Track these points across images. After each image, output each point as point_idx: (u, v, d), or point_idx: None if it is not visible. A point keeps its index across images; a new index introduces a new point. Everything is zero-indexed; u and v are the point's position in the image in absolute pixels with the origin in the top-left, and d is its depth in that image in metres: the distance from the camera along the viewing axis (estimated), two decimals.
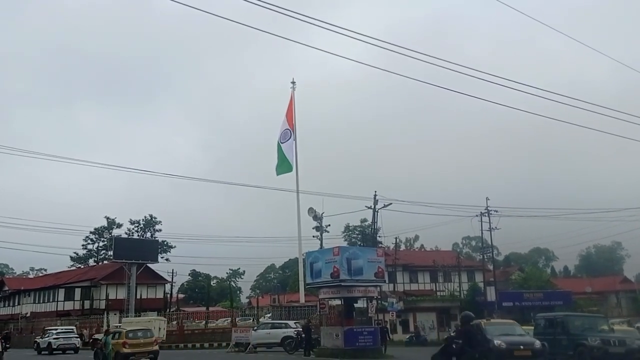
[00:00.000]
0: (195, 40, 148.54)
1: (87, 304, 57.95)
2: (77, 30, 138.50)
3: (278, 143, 39.24)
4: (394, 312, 40.42)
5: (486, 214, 43.91)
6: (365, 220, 70.68)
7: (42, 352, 36.05)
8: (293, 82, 39.87)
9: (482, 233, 45.05)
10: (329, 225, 41.72)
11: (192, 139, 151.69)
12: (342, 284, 24.15)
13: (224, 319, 47.35)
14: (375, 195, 42.91)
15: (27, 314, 61.59)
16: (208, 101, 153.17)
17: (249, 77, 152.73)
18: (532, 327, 20.70)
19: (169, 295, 66.70)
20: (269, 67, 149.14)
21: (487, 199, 44.24)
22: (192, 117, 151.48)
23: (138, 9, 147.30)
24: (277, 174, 38.94)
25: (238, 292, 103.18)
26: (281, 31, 13.10)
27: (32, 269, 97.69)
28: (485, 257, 54.07)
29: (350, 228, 78.07)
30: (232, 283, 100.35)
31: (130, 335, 23.81)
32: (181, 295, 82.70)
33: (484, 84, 15.93)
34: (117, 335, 23.62)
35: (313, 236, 41.49)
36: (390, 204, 42.07)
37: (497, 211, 43.92)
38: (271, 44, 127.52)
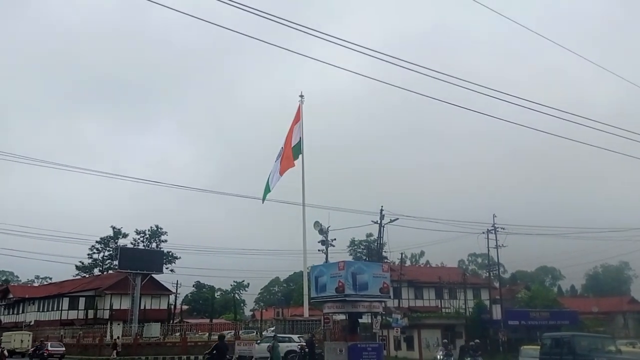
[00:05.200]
0: (196, 50, 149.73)
1: (91, 313, 57.93)
2: (77, 40, 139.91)
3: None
4: (399, 329, 40.09)
5: (493, 231, 43.66)
6: (371, 235, 70.52)
7: None
8: (301, 96, 39.80)
9: (488, 250, 44.77)
10: (335, 239, 41.61)
11: (194, 150, 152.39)
12: (347, 298, 24.01)
13: (228, 332, 47.15)
14: (381, 210, 42.85)
15: (31, 322, 61.63)
16: (212, 111, 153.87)
17: (254, 89, 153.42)
18: (538, 347, 20.50)
19: (172, 307, 66.62)
20: (273, 78, 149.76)
21: (494, 215, 44.06)
22: (194, 128, 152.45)
23: (138, 19, 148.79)
24: (262, 201, 38.69)
25: (242, 304, 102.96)
26: (283, 44, 13.22)
27: (37, 277, 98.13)
28: (492, 274, 53.67)
29: (356, 242, 77.89)
30: (236, 295, 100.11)
31: None
32: (185, 307, 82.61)
33: (489, 100, 15.99)
34: None
35: (318, 250, 41.34)
36: (397, 219, 41.96)
37: (504, 228, 43.72)
38: (276, 56, 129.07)
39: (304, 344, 28.41)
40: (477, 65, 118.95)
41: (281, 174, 37.55)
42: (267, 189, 37.76)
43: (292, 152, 37.79)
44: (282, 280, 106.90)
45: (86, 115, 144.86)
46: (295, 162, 37.83)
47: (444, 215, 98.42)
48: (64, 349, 39.81)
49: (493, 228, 43.60)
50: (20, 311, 65.42)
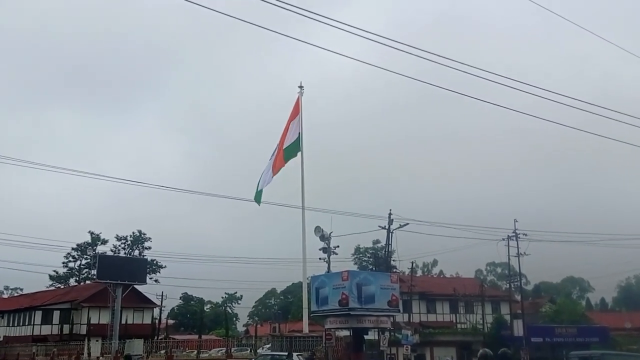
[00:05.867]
0: (181, 38, 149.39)
1: (66, 328, 57.89)
2: (49, 25, 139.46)
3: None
4: (409, 346, 40.06)
5: (514, 238, 43.70)
6: (378, 241, 70.32)
7: None
8: (300, 87, 39.74)
9: (508, 259, 44.84)
10: (338, 246, 41.54)
11: (181, 147, 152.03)
12: (351, 312, 24.12)
13: (218, 349, 47.11)
14: (389, 214, 42.87)
15: None
16: (201, 104, 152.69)
17: (247, 79, 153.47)
18: None
19: (157, 321, 66.61)
20: (269, 67, 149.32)
21: (515, 220, 44.10)
22: (181, 122, 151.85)
23: (117, 1, 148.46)
24: (258, 204, 38.61)
25: (234, 319, 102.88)
26: (280, 29, 13.22)
27: (6, 288, 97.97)
28: (512, 286, 53.64)
29: (362, 250, 77.79)
30: (228, 309, 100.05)
31: None
32: (171, 321, 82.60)
33: (508, 91, 16.03)
34: None
35: (319, 258, 41.30)
36: (407, 224, 41.99)
37: (526, 235, 43.75)
38: (272, 43, 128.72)
39: None
40: (495, 54, 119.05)
41: (274, 173, 37.55)
42: (258, 191, 37.71)
43: (283, 152, 37.75)
44: (279, 292, 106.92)
45: (59, 107, 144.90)
46: (294, 160, 37.85)
47: (459, 220, 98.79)
48: None
49: (514, 234, 43.62)
50: None
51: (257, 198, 38.11)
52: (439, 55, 14.44)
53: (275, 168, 37.58)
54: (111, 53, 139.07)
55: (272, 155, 38.66)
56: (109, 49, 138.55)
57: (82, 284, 71.22)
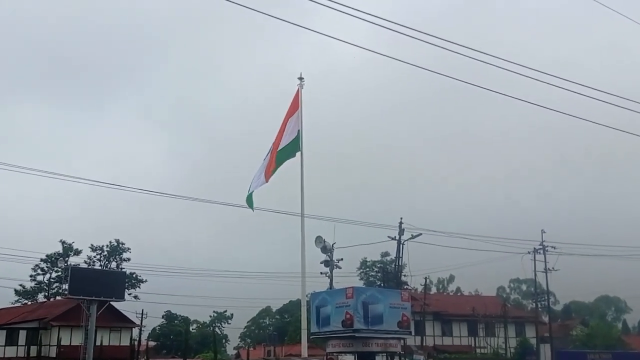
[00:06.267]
0: (165, 24, 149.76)
1: (33, 350, 57.81)
2: (18, 14, 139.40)
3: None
4: None
5: (541, 251, 43.62)
6: (387, 254, 70.33)
7: None
8: (300, 78, 39.57)
9: (535, 275, 44.84)
10: (341, 259, 41.31)
11: (165, 145, 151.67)
12: (357, 334, 23.94)
13: None
14: (400, 223, 42.76)
15: None
16: (187, 97, 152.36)
17: (240, 70, 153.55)
18: None
19: (136, 342, 66.45)
20: (264, 56, 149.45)
21: (543, 231, 44.08)
22: (165, 118, 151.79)
23: None
24: (252, 209, 38.36)
25: (224, 340, 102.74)
26: (277, 14, 13.07)
27: None
28: (539, 305, 53.51)
29: (368, 264, 77.72)
30: (217, 329, 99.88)
31: None
32: (152, 343, 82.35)
33: (535, 85, 15.92)
34: None
35: (321, 273, 41.09)
36: (420, 234, 41.88)
37: (554, 247, 43.69)
38: (268, 29, 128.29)
39: None
40: (520, 42, 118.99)
41: (267, 178, 37.21)
42: (249, 195, 37.47)
43: (277, 154, 37.52)
44: (274, 310, 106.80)
45: (27, 100, 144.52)
46: (292, 161, 37.60)
47: (479, 230, 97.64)
48: None
49: (541, 247, 43.57)
50: None
51: (249, 202, 37.94)
52: (456, 44, 14.34)
53: (268, 173, 37.29)
54: (87, 41, 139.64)
55: (266, 155, 38.44)
56: (84, 36, 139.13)
57: (51, 300, 71.14)
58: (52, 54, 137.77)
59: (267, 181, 37.11)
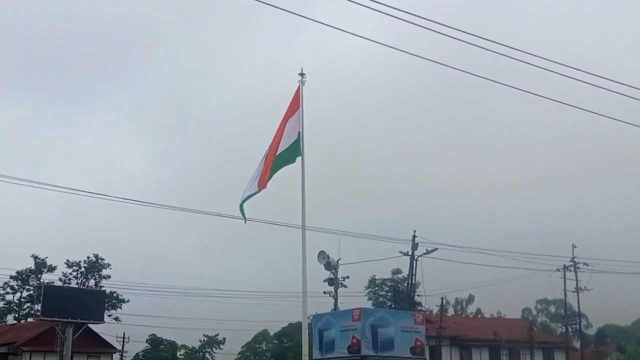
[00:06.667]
0: (155, 16, 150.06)
1: None
2: None
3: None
4: None
5: (571, 268, 43.68)
6: (398, 271, 70.45)
7: None
8: (302, 74, 39.82)
9: (565, 295, 44.90)
10: (347, 277, 41.52)
11: (150, 149, 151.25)
12: None
13: None
14: (414, 237, 42.91)
15: None
16: (176, 96, 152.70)
17: (235, 65, 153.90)
18: None
19: None
20: (262, 51, 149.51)
21: (574, 246, 44.06)
22: (151, 119, 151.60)
23: None
24: (244, 216, 38.44)
25: None
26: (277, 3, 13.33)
27: None
28: (570, 329, 53.57)
29: (378, 282, 77.77)
30: (208, 355, 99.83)
31: None
32: None
33: (567, 81, 16.10)
34: None
35: (324, 292, 41.36)
36: (435, 249, 41.99)
37: (587, 264, 43.75)
38: (267, 21, 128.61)
39: None
40: (548, 34, 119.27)
41: (260, 187, 37.17)
42: (241, 204, 37.54)
43: (275, 159, 37.62)
44: (272, 334, 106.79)
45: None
46: (292, 166, 37.80)
47: (502, 244, 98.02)
48: None
49: (572, 263, 43.60)
50: None
51: (243, 211, 38.09)
52: (473, 35, 14.45)
53: (263, 179, 37.30)
54: (68, 34, 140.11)
55: (261, 160, 38.54)
56: (64, 28, 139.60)
57: (22, 322, 71.33)
58: (28, 47, 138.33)
59: (259, 189, 37.05)
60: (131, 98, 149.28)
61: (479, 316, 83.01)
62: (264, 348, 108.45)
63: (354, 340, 24.07)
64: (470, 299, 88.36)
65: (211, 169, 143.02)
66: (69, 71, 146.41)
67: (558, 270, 44.08)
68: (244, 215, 38.27)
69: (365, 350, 23.85)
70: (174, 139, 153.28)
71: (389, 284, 76.06)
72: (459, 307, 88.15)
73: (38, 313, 56.68)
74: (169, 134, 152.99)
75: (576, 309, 46.49)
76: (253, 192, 36.98)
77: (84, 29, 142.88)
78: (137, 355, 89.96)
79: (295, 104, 39.99)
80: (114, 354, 64.72)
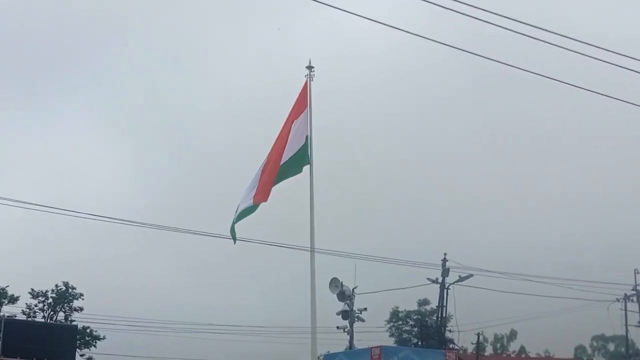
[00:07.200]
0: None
1: None
2: None
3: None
4: None
5: (634, 298, 43.31)
6: (426, 302, 70.26)
7: None
8: (309, 67, 39.52)
9: (626, 330, 44.56)
10: (365, 309, 41.21)
11: (128, 157, 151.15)
12: None
13: None
14: (444, 261, 42.57)
15: None
16: (157, 95, 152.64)
17: (229, 58, 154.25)
18: None
19: None
20: (258, 42, 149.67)
21: (636, 271, 43.70)
22: (129, 121, 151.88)
23: None
24: (234, 237, 37.84)
25: None
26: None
27: None
28: None
29: (401, 315, 77.52)
30: None
31: None
32: None
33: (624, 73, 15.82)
34: None
35: (337, 327, 40.97)
36: (470, 275, 41.77)
37: None
38: (264, 8, 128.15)
39: None
40: (603, 20, 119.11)
41: (257, 200, 36.65)
42: (234, 222, 36.98)
43: (280, 169, 37.13)
44: None
45: None
46: (298, 175, 37.45)
47: (548, 269, 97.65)
48: None
49: (634, 292, 43.21)
50: None
51: (233, 232, 37.48)
52: (510, 19, 14.27)
53: (261, 193, 36.70)
54: (27, 19, 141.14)
55: (259, 169, 38.14)
56: (22, 13, 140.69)
57: None
58: None
59: (256, 203, 36.49)
60: (102, 98, 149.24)
61: (523, 355, 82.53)
62: None
63: None
64: (513, 335, 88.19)
65: (198, 180, 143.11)
66: (28, 66, 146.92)
67: (618, 300, 43.67)
68: (234, 236, 37.67)
69: None
70: (154, 144, 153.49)
71: (414, 317, 75.85)
72: (498, 345, 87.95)
73: None
74: (148, 139, 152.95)
75: None
76: (247, 205, 36.41)
77: (45, 13, 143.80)
78: None
79: (302, 103, 39.51)
80: None
